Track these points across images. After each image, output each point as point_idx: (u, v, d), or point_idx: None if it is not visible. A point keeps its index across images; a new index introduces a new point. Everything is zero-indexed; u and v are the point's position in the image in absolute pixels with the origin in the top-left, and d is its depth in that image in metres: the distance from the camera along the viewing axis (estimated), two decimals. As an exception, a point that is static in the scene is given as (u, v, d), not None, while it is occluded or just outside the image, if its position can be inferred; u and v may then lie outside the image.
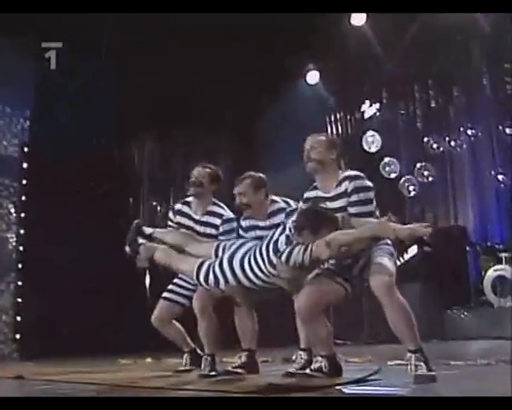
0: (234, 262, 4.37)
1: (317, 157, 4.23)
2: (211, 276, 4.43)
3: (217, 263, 4.43)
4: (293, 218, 4.16)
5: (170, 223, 5.46)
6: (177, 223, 5.36)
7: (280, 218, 4.61)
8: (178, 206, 5.46)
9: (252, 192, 4.85)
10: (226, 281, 4.37)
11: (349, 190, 4.09)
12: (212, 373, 4.93)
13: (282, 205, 4.82)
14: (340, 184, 4.15)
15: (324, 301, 4.20)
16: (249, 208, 4.89)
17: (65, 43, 10.29)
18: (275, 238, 4.19)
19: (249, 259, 4.29)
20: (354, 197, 4.08)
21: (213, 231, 5.13)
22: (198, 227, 5.22)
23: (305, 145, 4.33)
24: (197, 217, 5.26)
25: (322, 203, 4.19)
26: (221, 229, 5.10)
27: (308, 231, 3.97)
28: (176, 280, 5.45)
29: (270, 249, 4.17)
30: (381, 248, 4.09)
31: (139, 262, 9.94)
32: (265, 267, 4.20)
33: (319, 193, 4.28)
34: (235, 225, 5.08)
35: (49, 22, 9.76)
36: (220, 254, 4.54)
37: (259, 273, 4.24)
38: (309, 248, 3.93)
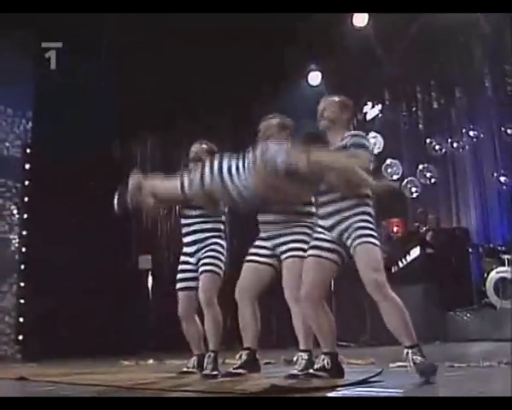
0: (222, 167, 4.50)
1: (330, 116, 4.36)
2: (195, 183, 4.57)
3: (203, 170, 4.56)
4: None
5: None
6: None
7: None
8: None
9: (276, 130, 4.94)
10: (212, 184, 4.50)
11: (348, 144, 4.20)
12: (214, 373, 4.94)
13: None
14: (342, 139, 4.27)
15: (324, 283, 4.24)
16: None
17: (65, 43, 10.28)
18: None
19: (236, 164, 4.48)
20: (350, 151, 4.17)
21: None
22: None
23: (319, 105, 4.45)
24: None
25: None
26: None
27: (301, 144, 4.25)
28: (181, 266, 5.46)
29: (258, 157, 4.36)
30: (362, 226, 4.08)
31: (142, 264, 9.91)
32: (248, 172, 4.38)
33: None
34: None
35: (49, 22, 9.78)
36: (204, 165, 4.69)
37: (243, 178, 4.40)
38: (289, 152, 4.15)
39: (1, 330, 10.63)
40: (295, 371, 4.39)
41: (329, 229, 4.15)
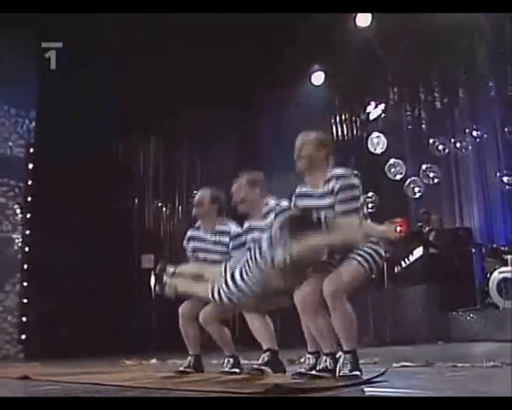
0: (235, 276, 4.42)
1: (307, 154, 4.32)
2: (222, 295, 4.49)
3: (223, 281, 4.49)
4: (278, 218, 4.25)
5: (187, 252, 5.66)
6: (193, 249, 5.58)
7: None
8: (189, 233, 5.68)
9: (247, 188, 4.96)
10: (234, 295, 4.43)
11: (336, 189, 4.16)
12: (234, 370, 5.13)
13: (273, 205, 4.88)
14: (327, 182, 4.22)
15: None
16: (243, 204, 5.00)
17: (65, 43, 10.27)
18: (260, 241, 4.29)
19: (245, 267, 4.35)
20: (340, 196, 4.14)
21: (225, 249, 5.35)
22: (211, 247, 5.45)
23: (296, 143, 4.41)
24: (208, 237, 5.50)
25: (312, 200, 4.28)
26: (231, 245, 5.33)
27: (289, 231, 4.04)
28: None
29: (257, 253, 4.24)
30: (359, 251, 4.17)
31: (144, 263, 10.01)
32: (256, 271, 4.26)
33: (308, 190, 4.37)
34: (243, 238, 5.18)
35: (49, 22, 9.78)
36: (224, 273, 4.61)
37: (253, 279, 4.29)
38: (288, 250, 4.02)
39: (4, 329, 10.65)
40: (303, 370, 4.43)
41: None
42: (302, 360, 4.73)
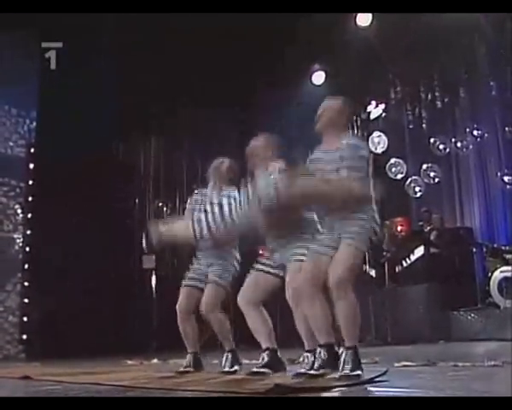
0: (223, 208, 4.77)
1: (326, 119, 4.42)
2: (203, 224, 4.80)
3: (207, 213, 4.90)
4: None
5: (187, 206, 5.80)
6: (194, 201, 5.73)
7: None
8: (195, 193, 5.87)
9: (262, 146, 5.09)
10: (215, 225, 4.74)
11: (344, 157, 4.19)
12: (234, 369, 5.15)
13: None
14: (337, 149, 4.27)
15: (320, 276, 4.23)
16: (252, 159, 5.09)
17: (65, 43, 10.27)
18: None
19: (234, 203, 4.73)
20: (345, 163, 4.17)
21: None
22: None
23: (321, 105, 4.50)
24: (214, 195, 5.55)
25: (322, 164, 4.33)
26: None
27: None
28: (195, 266, 5.63)
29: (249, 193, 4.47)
30: (353, 224, 4.16)
31: (145, 263, 10.03)
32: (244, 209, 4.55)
33: (320, 154, 4.43)
34: None
35: (49, 22, 9.78)
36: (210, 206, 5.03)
37: (240, 215, 4.61)
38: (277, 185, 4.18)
39: (5, 329, 10.65)
40: (303, 370, 4.43)
41: (329, 230, 4.28)
42: (301, 359, 4.72)
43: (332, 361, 4.19)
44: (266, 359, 4.83)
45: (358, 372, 3.99)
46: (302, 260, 4.44)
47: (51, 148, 11.17)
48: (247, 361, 5.54)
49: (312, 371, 4.27)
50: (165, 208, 13.81)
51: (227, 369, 5.21)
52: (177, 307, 5.54)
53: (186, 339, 5.56)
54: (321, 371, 4.19)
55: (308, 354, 4.54)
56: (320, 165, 4.33)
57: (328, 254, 4.21)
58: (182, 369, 5.46)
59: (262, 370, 4.74)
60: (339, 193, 4.15)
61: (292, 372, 4.47)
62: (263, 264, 4.88)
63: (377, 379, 3.86)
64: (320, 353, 4.24)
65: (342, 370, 4.00)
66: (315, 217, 4.60)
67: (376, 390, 3.50)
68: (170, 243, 5.64)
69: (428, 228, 10.92)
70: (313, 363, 4.43)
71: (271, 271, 4.82)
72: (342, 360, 4.05)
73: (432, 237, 10.62)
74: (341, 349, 4.14)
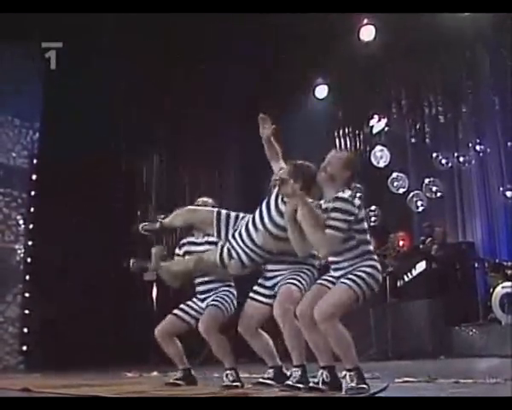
0: (242, 233, 4.84)
1: (331, 172, 4.38)
2: (232, 253, 4.84)
3: (231, 241, 4.89)
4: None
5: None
6: (184, 253, 5.86)
7: None
8: (182, 241, 6.02)
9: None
10: (243, 252, 4.82)
11: (329, 208, 4.24)
12: (235, 384, 5.17)
13: None
14: (332, 200, 4.29)
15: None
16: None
17: (65, 44, 10.24)
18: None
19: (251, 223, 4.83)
20: (332, 214, 4.19)
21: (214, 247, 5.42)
22: (202, 248, 5.65)
23: (326, 158, 4.49)
24: (199, 239, 5.73)
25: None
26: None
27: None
28: (188, 302, 5.73)
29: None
30: (361, 265, 4.25)
31: (146, 276, 10.03)
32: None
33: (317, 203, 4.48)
34: None
35: (49, 22, 9.78)
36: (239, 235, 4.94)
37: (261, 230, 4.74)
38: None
39: (5, 340, 10.61)
40: (290, 383, 4.58)
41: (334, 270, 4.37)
42: (289, 373, 4.80)
43: (333, 383, 4.29)
44: (272, 374, 5.02)
45: (363, 386, 4.06)
46: (295, 284, 4.71)
47: (54, 159, 11.16)
48: (246, 375, 5.54)
49: (311, 384, 4.33)
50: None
51: (228, 383, 5.23)
52: (155, 332, 5.66)
53: (173, 358, 5.71)
54: (320, 386, 4.28)
55: (296, 369, 4.63)
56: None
57: (329, 286, 4.34)
58: (172, 380, 5.59)
59: (267, 381, 4.92)
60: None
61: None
62: (258, 293, 5.04)
63: (378, 395, 3.85)
64: (322, 374, 4.33)
65: (347, 385, 4.07)
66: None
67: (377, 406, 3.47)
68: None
69: (430, 242, 10.90)
70: (301, 377, 4.57)
71: (265, 300, 4.97)
72: (346, 379, 4.11)
73: (434, 252, 10.59)
74: (344, 372, 4.18)
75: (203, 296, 5.60)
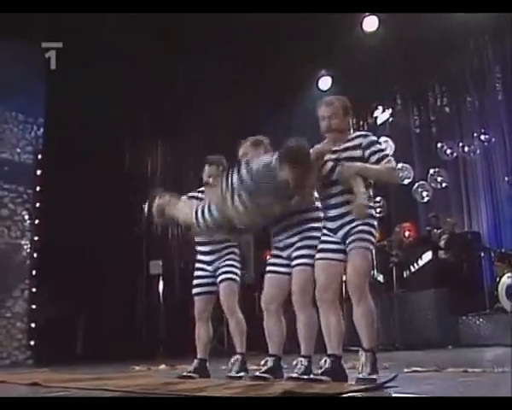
0: (211, 208, 4.68)
1: (338, 127, 4.47)
2: (206, 213, 4.70)
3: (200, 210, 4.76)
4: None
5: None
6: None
7: None
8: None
9: (251, 149, 5.06)
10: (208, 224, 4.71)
11: (364, 144, 4.35)
12: (240, 374, 5.19)
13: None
14: (352, 139, 4.43)
15: (335, 283, 4.38)
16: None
17: (65, 44, 10.24)
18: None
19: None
20: (371, 149, 4.33)
21: None
22: None
23: (324, 109, 4.52)
24: None
25: (333, 154, 4.42)
26: None
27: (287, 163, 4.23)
28: (198, 273, 5.69)
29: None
30: (360, 230, 4.26)
31: (152, 269, 10.02)
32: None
33: (331, 146, 4.49)
34: None
35: (50, 22, 9.79)
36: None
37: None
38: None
39: (13, 335, 10.64)
40: (295, 375, 4.51)
41: (335, 231, 4.36)
42: (294, 362, 4.76)
43: (338, 372, 4.24)
44: (270, 364, 4.88)
45: (374, 376, 4.07)
46: (309, 264, 4.53)
47: (59, 154, 11.18)
48: (254, 367, 5.53)
49: (312, 376, 4.31)
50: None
51: (233, 374, 5.23)
52: (195, 311, 5.62)
53: (199, 343, 5.62)
54: (323, 377, 4.22)
55: (302, 359, 4.59)
56: (333, 155, 4.41)
57: (336, 259, 4.31)
58: (185, 373, 5.51)
59: (264, 375, 4.78)
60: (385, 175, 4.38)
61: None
62: (276, 265, 4.88)
63: (387, 385, 3.85)
64: (326, 362, 4.30)
65: (360, 373, 4.10)
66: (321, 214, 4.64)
67: (387, 396, 3.48)
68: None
69: (437, 233, 10.90)
70: (306, 369, 4.51)
71: (286, 270, 4.79)
72: (361, 362, 4.13)
73: (440, 242, 10.59)
74: (360, 351, 4.19)
75: (209, 258, 5.59)
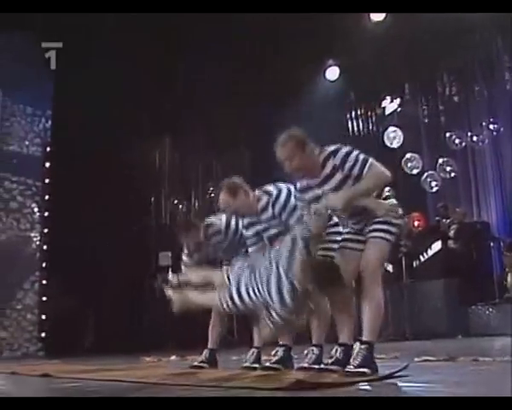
0: (241, 293, 4.38)
1: (300, 165, 4.22)
2: (230, 306, 4.48)
3: (227, 295, 4.46)
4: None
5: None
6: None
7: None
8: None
9: (230, 198, 4.84)
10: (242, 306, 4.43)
11: (338, 164, 4.12)
12: (254, 365, 5.13)
13: (267, 199, 4.80)
14: (324, 166, 4.17)
15: (351, 273, 4.25)
16: (236, 211, 4.99)
17: (65, 44, 10.24)
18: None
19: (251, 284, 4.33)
20: (347, 164, 4.10)
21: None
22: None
23: (279, 156, 4.27)
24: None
25: (316, 190, 4.22)
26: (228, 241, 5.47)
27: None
28: None
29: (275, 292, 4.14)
30: (379, 230, 4.18)
31: (162, 260, 10.03)
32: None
33: (309, 181, 4.28)
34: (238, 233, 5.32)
35: (51, 22, 9.80)
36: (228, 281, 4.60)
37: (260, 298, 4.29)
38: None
39: (24, 327, 10.70)
40: (306, 365, 4.52)
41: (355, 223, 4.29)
42: (305, 352, 4.75)
43: (346, 361, 4.17)
44: (281, 354, 4.90)
45: (364, 370, 3.89)
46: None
47: (67, 146, 11.19)
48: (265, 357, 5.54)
49: (323, 365, 4.30)
50: (180, 206, 13.86)
51: (248, 364, 5.22)
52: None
53: (212, 332, 5.62)
54: (333, 367, 4.19)
55: (314, 348, 4.59)
56: (316, 191, 4.23)
57: (356, 248, 4.24)
58: (196, 363, 5.54)
59: (275, 365, 4.80)
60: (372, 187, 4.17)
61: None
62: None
63: (398, 374, 3.85)
64: (337, 351, 4.26)
65: (349, 364, 3.97)
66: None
67: (398, 386, 3.49)
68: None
69: (447, 222, 10.88)
70: (317, 358, 4.51)
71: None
72: (354, 353, 4.04)
73: (451, 232, 10.57)
74: (356, 343, 4.14)
75: None
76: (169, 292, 5.11)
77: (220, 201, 4.91)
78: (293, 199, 4.60)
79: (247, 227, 5.02)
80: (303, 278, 4.07)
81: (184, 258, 5.69)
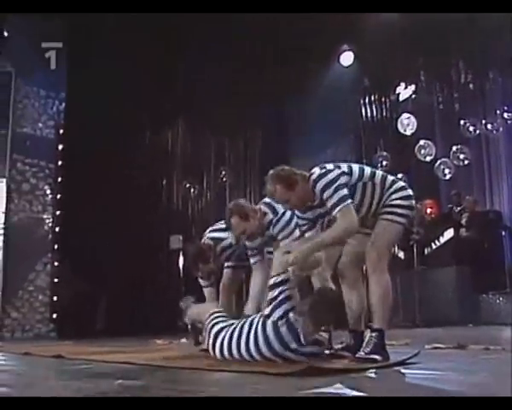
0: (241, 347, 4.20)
1: (288, 200, 4.20)
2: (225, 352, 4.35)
3: (225, 345, 4.36)
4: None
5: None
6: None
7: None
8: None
9: (242, 222, 4.86)
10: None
11: (318, 194, 4.07)
12: None
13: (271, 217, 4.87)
14: (313, 192, 4.12)
15: (361, 257, 4.23)
16: (249, 236, 4.98)
17: (65, 43, 10.21)
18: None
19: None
20: (324, 195, 4.03)
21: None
22: None
23: (269, 187, 4.23)
24: None
25: (319, 209, 4.19)
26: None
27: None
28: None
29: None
30: (389, 219, 4.16)
31: (173, 244, 10.06)
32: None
33: (307, 212, 4.28)
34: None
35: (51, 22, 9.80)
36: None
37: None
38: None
39: (35, 308, 10.77)
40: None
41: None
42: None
43: (356, 348, 4.17)
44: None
45: (375, 356, 3.88)
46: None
47: (80, 129, 11.21)
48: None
49: (332, 351, 4.31)
50: (192, 189, 13.88)
51: None
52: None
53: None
54: (343, 352, 4.21)
55: (322, 333, 4.60)
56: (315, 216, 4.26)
57: (366, 232, 4.19)
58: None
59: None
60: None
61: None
62: None
63: (410, 361, 3.86)
64: (348, 340, 4.30)
65: (360, 351, 3.96)
66: None
67: (409, 372, 3.49)
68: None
69: (459, 210, 10.85)
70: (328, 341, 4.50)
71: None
72: (365, 341, 4.03)
73: (463, 220, 10.55)
74: (367, 331, 4.13)
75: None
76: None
77: (233, 226, 4.91)
78: (294, 220, 4.60)
79: (249, 238, 5.04)
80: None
81: (201, 281, 5.65)
